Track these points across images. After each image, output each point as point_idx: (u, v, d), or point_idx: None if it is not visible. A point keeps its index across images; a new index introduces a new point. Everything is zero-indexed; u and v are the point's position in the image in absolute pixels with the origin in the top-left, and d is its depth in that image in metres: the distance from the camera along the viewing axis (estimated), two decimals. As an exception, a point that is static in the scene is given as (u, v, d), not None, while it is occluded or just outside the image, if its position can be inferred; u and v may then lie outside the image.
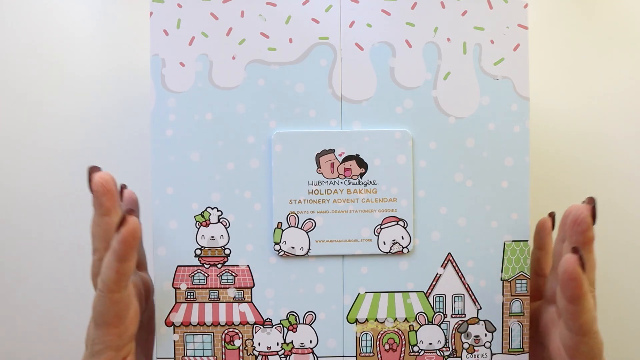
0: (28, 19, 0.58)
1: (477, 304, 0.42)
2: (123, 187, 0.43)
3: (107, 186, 0.35)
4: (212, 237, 0.42)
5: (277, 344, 0.42)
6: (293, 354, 0.42)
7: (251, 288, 0.42)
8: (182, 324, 0.42)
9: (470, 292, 0.42)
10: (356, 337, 0.42)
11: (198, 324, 0.42)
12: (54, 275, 0.59)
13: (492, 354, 0.42)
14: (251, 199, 0.42)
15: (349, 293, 0.42)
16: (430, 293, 0.42)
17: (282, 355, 0.42)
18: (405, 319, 0.42)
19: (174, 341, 0.42)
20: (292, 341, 0.42)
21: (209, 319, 0.42)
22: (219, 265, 0.42)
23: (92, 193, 0.35)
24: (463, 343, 0.42)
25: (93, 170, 0.36)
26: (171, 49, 0.41)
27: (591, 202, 0.35)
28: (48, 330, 0.59)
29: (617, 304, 0.61)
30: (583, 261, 0.32)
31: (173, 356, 0.42)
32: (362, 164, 0.41)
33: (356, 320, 0.42)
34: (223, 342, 0.42)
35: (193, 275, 0.42)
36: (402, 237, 0.42)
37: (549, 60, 0.60)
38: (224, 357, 0.42)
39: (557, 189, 0.60)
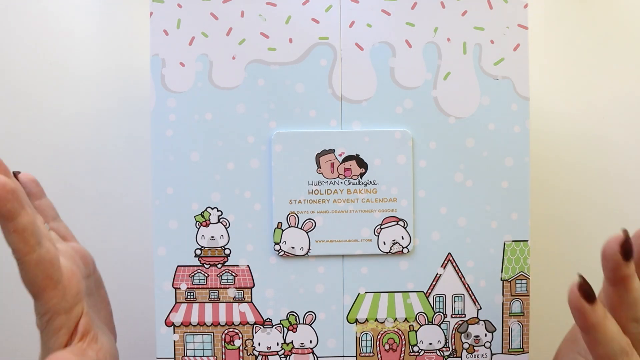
0: (28, 18, 0.58)
1: (477, 304, 0.42)
2: (16, 173, 0.39)
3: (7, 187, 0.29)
4: (212, 237, 0.42)
5: (277, 344, 0.42)
6: (293, 354, 0.42)
7: (251, 288, 0.42)
8: (182, 324, 0.42)
9: (470, 292, 0.42)
10: (356, 337, 0.42)
11: (198, 324, 0.42)
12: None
13: (492, 354, 0.42)
14: (251, 199, 0.42)
15: (349, 293, 0.42)
16: (430, 293, 0.42)
17: (282, 355, 0.42)
18: (405, 319, 0.42)
19: (174, 341, 0.42)
20: (292, 341, 0.42)
21: (209, 319, 0.42)
22: (219, 265, 0.42)
23: None
24: (463, 343, 0.42)
25: None
26: (171, 49, 0.41)
27: (624, 235, 0.30)
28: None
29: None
30: (587, 290, 0.30)
31: (173, 356, 0.42)
32: (362, 164, 0.41)
33: (356, 320, 0.42)
34: (223, 342, 0.42)
35: (193, 275, 0.42)
36: (402, 237, 0.42)
37: (549, 60, 0.60)
38: (224, 357, 0.42)
39: (557, 189, 0.60)
